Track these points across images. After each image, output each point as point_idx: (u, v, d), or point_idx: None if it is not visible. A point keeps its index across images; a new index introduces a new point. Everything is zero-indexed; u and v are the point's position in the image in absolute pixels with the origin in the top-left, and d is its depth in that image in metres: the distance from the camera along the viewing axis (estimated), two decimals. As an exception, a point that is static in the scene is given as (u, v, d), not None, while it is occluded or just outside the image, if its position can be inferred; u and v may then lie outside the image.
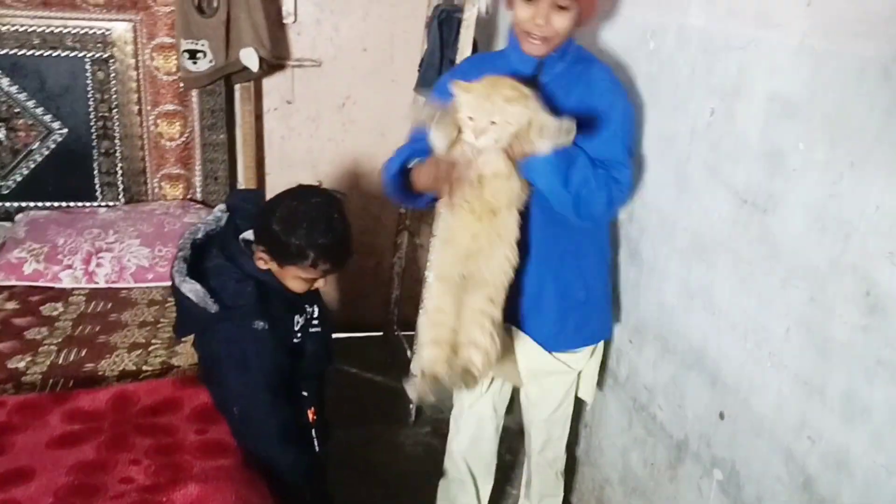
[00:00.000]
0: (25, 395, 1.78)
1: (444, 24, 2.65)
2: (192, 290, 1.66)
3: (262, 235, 1.69)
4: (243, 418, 1.67)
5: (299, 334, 1.80)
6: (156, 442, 1.58)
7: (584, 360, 1.93)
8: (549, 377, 1.93)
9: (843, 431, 1.29)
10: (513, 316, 1.77)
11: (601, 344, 1.98)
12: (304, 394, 1.84)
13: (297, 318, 1.79)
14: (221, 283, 1.69)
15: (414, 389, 1.79)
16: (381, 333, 3.35)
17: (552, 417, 1.99)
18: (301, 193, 1.72)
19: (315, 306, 1.85)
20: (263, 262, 1.69)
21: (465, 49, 2.49)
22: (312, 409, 1.87)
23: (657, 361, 1.88)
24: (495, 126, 1.50)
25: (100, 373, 1.94)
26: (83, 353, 2.02)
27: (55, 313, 2.25)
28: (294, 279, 1.71)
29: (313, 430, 1.86)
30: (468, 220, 1.59)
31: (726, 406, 1.61)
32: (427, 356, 1.65)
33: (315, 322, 1.85)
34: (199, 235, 1.82)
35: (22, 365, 1.96)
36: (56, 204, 2.80)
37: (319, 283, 1.75)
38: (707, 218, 1.65)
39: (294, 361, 1.78)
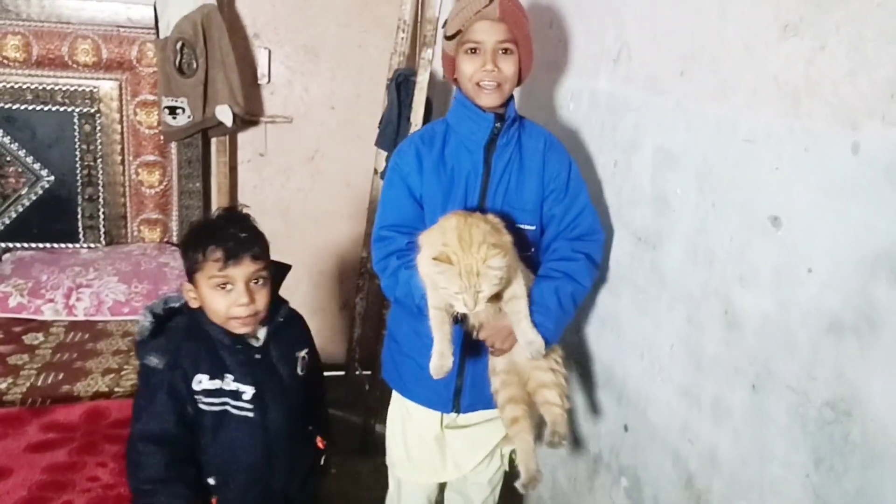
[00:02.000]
0: (7, 409, 1.96)
1: (402, 86, 2.91)
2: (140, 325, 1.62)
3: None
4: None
5: (203, 399, 1.57)
6: (122, 449, 1.74)
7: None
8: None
9: (713, 432, 1.51)
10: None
11: None
12: (211, 481, 1.61)
13: (206, 378, 1.57)
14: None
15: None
16: (342, 373, 3.54)
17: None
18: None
19: (253, 386, 1.60)
20: (191, 297, 1.62)
21: (418, 109, 2.77)
22: (319, 437, 1.82)
23: (577, 385, 2.10)
24: (483, 289, 1.52)
25: (75, 393, 2.12)
26: (60, 376, 2.21)
27: (36, 342, 2.44)
28: (208, 293, 1.56)
29: (322, 458, 1.83)
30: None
31: (629, 419, 1.83)
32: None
33: (244, 404, 1.60)
34: (146, 335, 1.62)
35: (3, 386, 2.14)
36: (41, 245, 3.01)
37: (238, 299, 1.55)
38: (614, 254, 1.90)
39: (188, 431, 1.58)
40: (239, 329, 1.60)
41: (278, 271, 1.71)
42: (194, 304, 1.61)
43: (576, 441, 2.12)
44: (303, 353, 1.75)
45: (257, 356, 1.64)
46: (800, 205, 1.26)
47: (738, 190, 1.42)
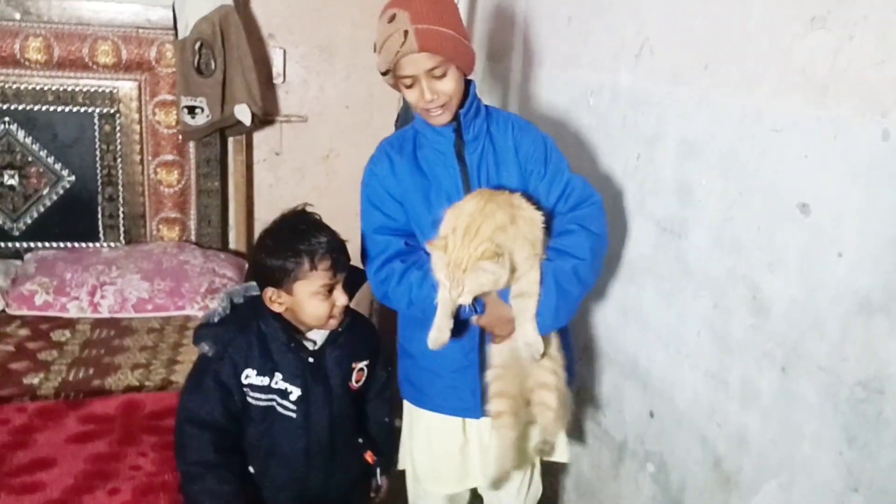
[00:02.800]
0: (44, 402, 2.00)
1: (417, 85, 2.96)
2: (212, 308, 1.70)
3: (260, 276, 1.65)
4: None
5: (251, 392, 1.64)
6: (161, 440, 1.81)
7: None
8: None
9: (741, 414, 1.55)
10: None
11: None
12: (251, 469, 1.69)
13: (254, 374, 1.63)
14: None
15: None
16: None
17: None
18: (270, 225, 1.68)
19: (300, 388, 1.65)
20: (276, 303, 1.62)
21: (436, 106, 2.80)
22: (370, 452, 1.84)
23: (601, 374, 2.14)
24: (467, 286, 1.52)
25: (107, 387, 2.16)
26: (91, 371, 2.25)
27: (63, 339, 2.48)
28: (310, 300, 1.60)
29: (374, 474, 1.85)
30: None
31: (655, 406, 1.87)
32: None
33: (289, 403, 1.65)
34: (215, 319, 1.68)
35: (36, 381, 2.19)
36: (62, 244, 3.05)
37: (340, 299, 1.62)
38: (636, 245, 1.94)
39: (234, 419, 1.65)
40: (333, 327, 1.67)
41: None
42: (278, 309, 1.63)
43: (599, 430, 2.16)
44: (361, 365, 1.76)
45: (310, 360, 1.67)
46: (828, 191, 1.31)
47: (765, 178, 1.47)
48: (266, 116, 3.26)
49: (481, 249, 1.49)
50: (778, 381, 1.44)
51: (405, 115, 3.03)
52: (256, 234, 3.43)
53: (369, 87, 3.45)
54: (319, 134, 3.48)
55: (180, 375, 2.23)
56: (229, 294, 1.71)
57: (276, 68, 3.32)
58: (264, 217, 3.49)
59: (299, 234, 1.59)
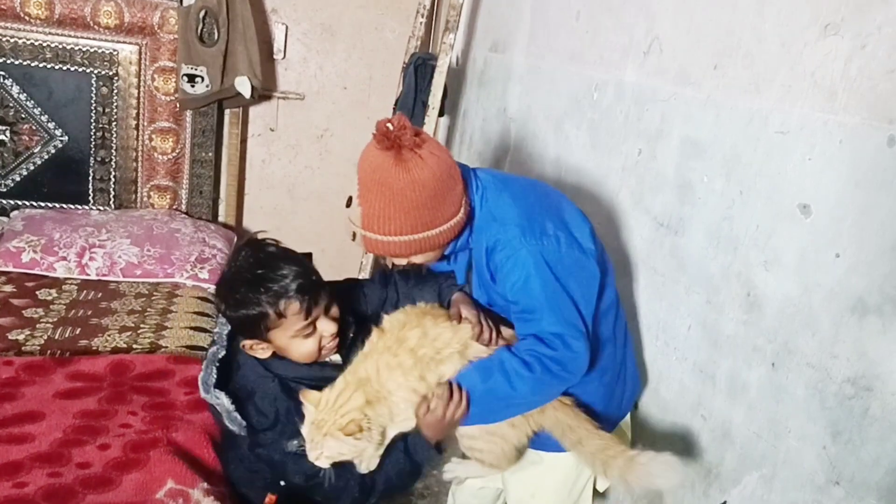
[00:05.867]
0: (30, 358, 1.99)
1: (419, 70, 2.98)
2: (218, 403, 1.50)
3: (235, 326, 1.55)
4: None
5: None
6: (150, 400, 1.81)
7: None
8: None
9: (727, 407, 1.59)
10: None
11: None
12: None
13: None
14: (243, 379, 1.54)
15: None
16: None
17: None
18: (225, 271, 1.56)
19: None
20: (259, 349, 1.52)
21: (437, 92, 2.83)
22: None
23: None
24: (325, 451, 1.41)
25: (94, 347, 2.15)
26: (77, 331, 2.24)
27: (50, 298, 2.46)
28: (291, 343, 1.49)
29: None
30: None
31: (640, 396, 1.91)
32: None
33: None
34: (221, 354, 1.58)
35: (21, 337, 2.17)
36: (50, 204, 3.01)
37: (327, 329, 1.51)
38: (631, 239, 1.98)
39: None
40: (329, 356, 1.56)
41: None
42: (264, 356, 1.52)
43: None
44: None
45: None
46: (830, 194, 1.35)
47: (767, 179, 1.50)
48: (264, 91, 3.25)
49: (346, 420, 1.38)
50: (767, 376, 1.48)
51: (404, 99, 3.05)
52: (246, 209, 3.47)
53: (369, 68, 3.46)
54: (315, 113, 3.47)
55: (169, 341, 2.23)
56: (206, 382, 1.53)
57: (277, 44, 3.31)
58: (254, 193, 3.50)
59: (257, 280, 1.45)
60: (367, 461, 1.45)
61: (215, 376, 1.51)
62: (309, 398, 1.42)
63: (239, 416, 1.46)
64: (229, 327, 1.59)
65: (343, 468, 1.44)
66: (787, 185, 1.45)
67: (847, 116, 1.31)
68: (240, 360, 1.55)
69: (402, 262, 1.56)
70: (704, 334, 1.67)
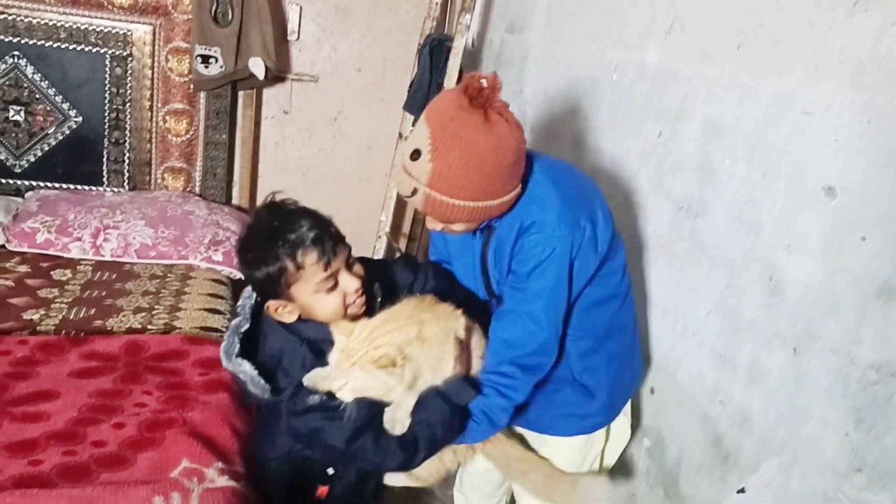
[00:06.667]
0: (45, 337, 1.99)
1: (434, 52, 2.94)
2: (240, 370, 1.45)
3: (257, 288, 1.52)
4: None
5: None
6: (165, 380, 1.81)
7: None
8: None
9: (747, 393, 1.57)
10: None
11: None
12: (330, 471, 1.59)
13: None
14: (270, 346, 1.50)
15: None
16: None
17: None
18: (243, 232, 1.53)
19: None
20: (285, 313, 1.48)
21: (452, 74, 2.80)
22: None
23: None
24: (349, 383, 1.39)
25: (108, 328, 2.15)
26: (92, 311, 2.24)
27: (64, 278, 2.46)
28: (314, 299, 1.45)
29: None
30: None
31: (656, 382, 1.89)
32: None
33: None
34: (246, 326, 1.53)
35: (36, 317, 2.17)
36: (64, 186, 3.02)
37: (350, 284, 1.46)
38: (650, 223, 1.95)
39: None
40: (357, 312, 1.50)
41: None
42: (290, 319, 1.48)
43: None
44: None
45: None
46: (856, 175, 1.32)
47: (791, 161, 1.47)
48: (277, 73, 3.23)
49: (379, 353, 1.36)
50: (788, 362, 1.46)
51: (420, 80, 3.02)
52: (260, 192, 3.46)
53: (383, 49, 3.43)
54: (329, 95, 3.45)
55: (183, 322, 2.22)
56: (228, 352, 1.48)
57: (291, 25, 3.28)
58: (268, 175, 3.48)
59: (273, 234, 1.43)
60: (395, 415, 1.41)
61: (238, 346, 1.47)
62: (341, 327, 1.39)
63: (263, 381, 1.43)
64: (253, 301, 1.55)
65: (379, 437, 1.41)
66: (811, 167, 1.42)
67: (876, 95, 1.28)
68: (265, 330, 1.51)
69: (439, 227, 1.50)
70: (724, 319, 1.65)
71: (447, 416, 1.44)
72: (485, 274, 1.64)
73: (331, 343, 1.43)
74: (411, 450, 1.42)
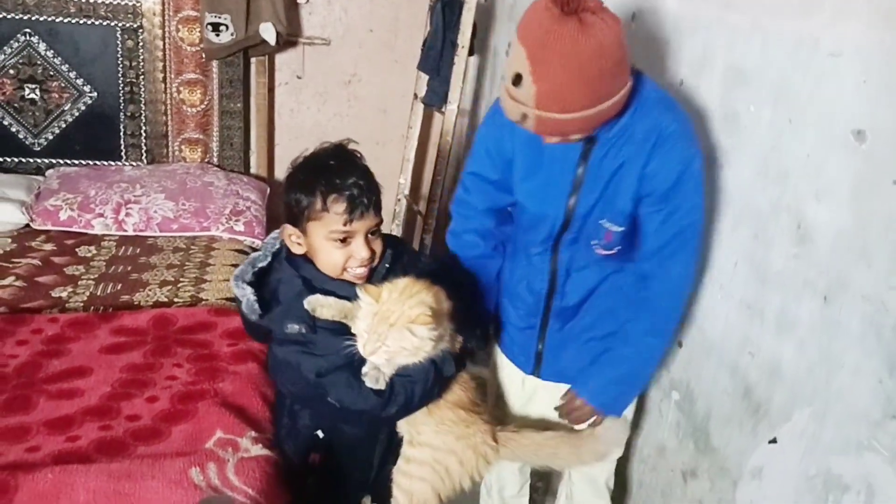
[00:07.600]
0: (75, 314, 2.01)
1: (446, 8, 2.89)
2: (242, 294, 1.50)
3: (286, 208, 1.52)
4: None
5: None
6: (194, 352, 1.83)
7: None
8: None
9: (776, 344, 1.55)
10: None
11: None
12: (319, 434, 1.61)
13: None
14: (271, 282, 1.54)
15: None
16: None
17: None
18: (303, 159, 1.54)
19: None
20: (295, 243, 1.51)
21: (466, 31, 2.75)
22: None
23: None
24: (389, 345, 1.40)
25: (135, 302, 2.17)
26: (119, 286, 2.27)
27: (90, 255, 2.49)
28: (322, 244, 1.47)
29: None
30: None
31: (684, 335, 1.88)
32: None
33: None
34: (263, 263, 1.57)
35: (64, 294, 2.20)
36: (83, 162, 3.03)
37: (359, 251, 1.47)
38: (674, 174, 1.91)
39: None
40: (353, 280, 1.50)
41: None
42: (298, 250, 1.52)
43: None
44: None
45: None
46: (887, 117, 1.28)
47: (819, 105, 1.43)
48: (289, 38, 3.19)
49: (418, 311, 1.38)
50: (819, 311, 1.43)
51: (433, 39, 2.97)
52: (277, 160, 3.44)
53: (395, 8, 3.37)
54: (342, 58, 3.41)
55: (209, 293, 2.24)
56: (241, 278, 1.53)
57: (300, -13, 3.24)
58: (284, 143, 3.47)
59: (323, 170, 1.46)
60: (379, 371, 1.44)
61: (250, 275, 1.52)
62: (370, 291, 1.40)
63: (257, 305, 1.48)
64: (277, 244, 1.58)
65: (354, 378, 1.45)
66: (839, 111, 1.38)
67: (906, 34, 1.23)
68: (274, 265, 1.56)
69: (555, 140, 1.44)
70: (752, 270, 1.63)
71: (430, 380, 1.48)
72: (575, 189, 1.57)
73: (325, 291, 1.47)
74: (385, 397, 1.45)
